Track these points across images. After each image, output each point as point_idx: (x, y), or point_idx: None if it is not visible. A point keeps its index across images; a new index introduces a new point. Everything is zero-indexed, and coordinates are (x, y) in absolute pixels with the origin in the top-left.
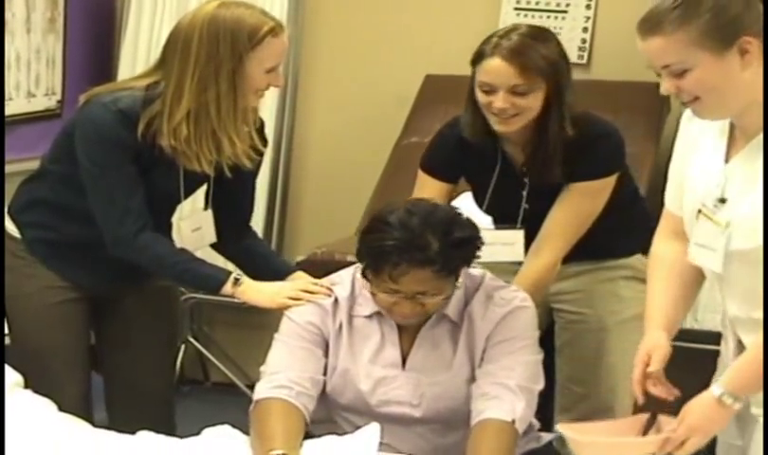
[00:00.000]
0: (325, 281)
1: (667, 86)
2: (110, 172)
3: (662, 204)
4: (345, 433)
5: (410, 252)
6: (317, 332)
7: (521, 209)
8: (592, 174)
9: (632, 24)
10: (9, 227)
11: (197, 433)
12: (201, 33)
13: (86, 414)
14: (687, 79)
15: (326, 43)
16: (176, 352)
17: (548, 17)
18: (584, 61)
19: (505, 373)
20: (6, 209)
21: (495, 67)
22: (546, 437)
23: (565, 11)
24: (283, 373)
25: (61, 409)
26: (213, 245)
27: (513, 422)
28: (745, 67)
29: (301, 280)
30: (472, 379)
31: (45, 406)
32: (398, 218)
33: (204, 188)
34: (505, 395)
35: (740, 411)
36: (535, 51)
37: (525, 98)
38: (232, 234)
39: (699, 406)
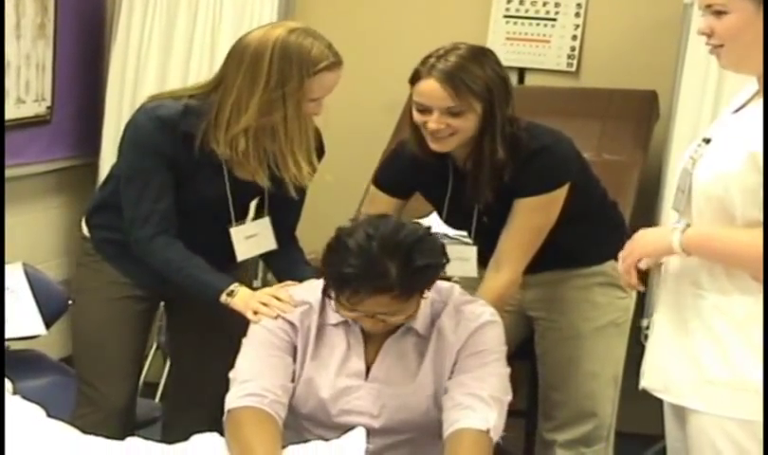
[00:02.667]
0: (293, 288)
1: (702, 26)
2: (142, 175)
3: (649, 209)
4: (307, 441)
5: (368, 280)
6: (287, 339)
7: (473, 224)
8: (536, 190)
9: (621, 31)
10: (84, 227)
11: (186, 439)
12: (273, 55)
13: (130, 412)
14: (723, 21)
15: None
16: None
17: (537, 25)
18: (573, 69)
19: (478, 383)
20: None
21: (429, 89)
22: None
23: (554, 19)
24: (255, 382)
25: (107, 403)
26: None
27: (488, 431)
28: None
29: (271, 287)
30: (435, 393)
31: (34, 411)
32: (357, 243)
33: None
34: (478, 405)
35: (679, 411)
36: (469, 73)
37: (459, 118)
38: (278, 241)
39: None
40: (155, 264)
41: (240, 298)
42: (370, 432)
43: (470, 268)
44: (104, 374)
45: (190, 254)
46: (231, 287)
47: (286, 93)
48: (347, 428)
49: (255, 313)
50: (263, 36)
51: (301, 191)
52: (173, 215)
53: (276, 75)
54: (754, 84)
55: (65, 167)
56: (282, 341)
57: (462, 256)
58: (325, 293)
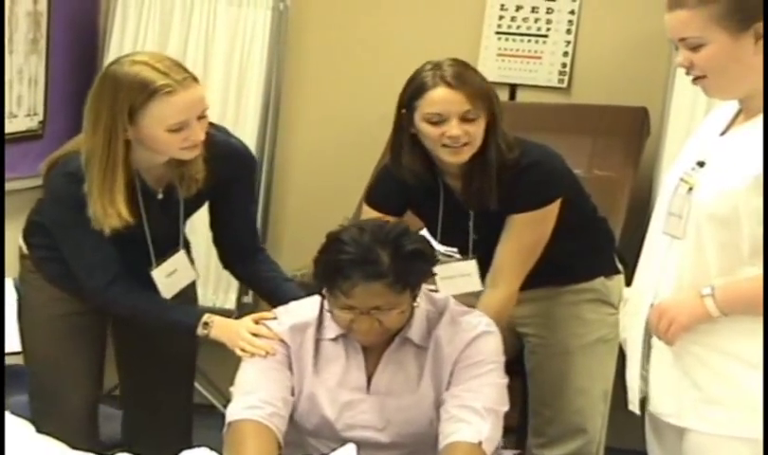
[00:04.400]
0: (291, 305)
1: (680, 60)
2: (71, 230)
3: (639, 225)
4: None
5: (361, 266)
6: (284, 353)
7: (469, 240)
8: (527, 206)
9: (613, 48)
10: (22, 244)
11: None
12: (92, 89)
13: (92, 427)
14: (701, 54)
15: (309, 62)
16: (194, 369)
17: (529, 41)
18: (565, 85)
19: (472, 395)
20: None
21: (443, 96)
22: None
23: (546, 36)
24: (256, 394)
25: (66, 419)
26: (228, 270)
27: (480, 443)
28: (757, 52)
29: (254, 323)
30: (437, 404)
31: (23, 427)
32: (350, 235)
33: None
34: (472, 418)
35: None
36: (472, 78)
37: (474, 124)
38: (235, 258)
39: (676, 298)
40: (118, 312)
41: (219, 329)
42: (378, 447)
43: (474, 282)
44: (61, 390)
45: (149, 294)
46: (204, 319)
47: (96, 126)
48: (355, 443)
49: (243, 350)
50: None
51: (241, 205)
52: (116, 259)
53: (90, 110)
54: (733, 105)
55: None
56: (280, 354)
57: (463, 272)
58: (319, 291)
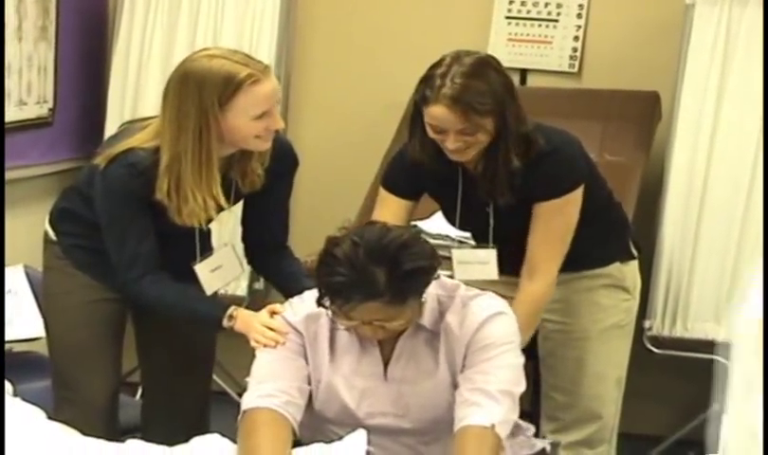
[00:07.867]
0: (304, 296)
1: None
2: (121, 221)
3: (651, 211)
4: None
5: (357, 287)
6: (299, 342)
7: (489, 227)
8: (550, 194)
9: (623, 32)
10: (50, 231)
11: (186, 441)
12: (172, 87)
13: (113, 414)
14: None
15: (317, 51)
16: (213, 357)
17: (539, 26)
18: (575, 69)
19: (484, 378)
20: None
21: (440, 114)
22: (540, 444)
23: (556, 20)
24: (271, 383)
25: (89, 406)
26: (251, 265)
27: (492, 426)
28: None
29: (270, 315)
30: (454, 387)
31: (34, 413)
32: (343, 252)
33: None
34: (484, 401)
35: None
36: (475, 93)
37: (473, 136)
38: (263, 254)
39: None
40: (148, 304)
41: (241, 321)
42: (399, 432)
43: (491, 271)
44: (85, 377)
45: (179, 286)
46: (229, 311)
47: (186, 122)
48: (376, 429)
49: (256, 341)
50: (175, 69)
51: (280, 200)
52: (157, 254)
53: (175, 105)
54: None
55: (68, 169)
56: (294, 344)
57: (481, 260)
58: (319, 303)
